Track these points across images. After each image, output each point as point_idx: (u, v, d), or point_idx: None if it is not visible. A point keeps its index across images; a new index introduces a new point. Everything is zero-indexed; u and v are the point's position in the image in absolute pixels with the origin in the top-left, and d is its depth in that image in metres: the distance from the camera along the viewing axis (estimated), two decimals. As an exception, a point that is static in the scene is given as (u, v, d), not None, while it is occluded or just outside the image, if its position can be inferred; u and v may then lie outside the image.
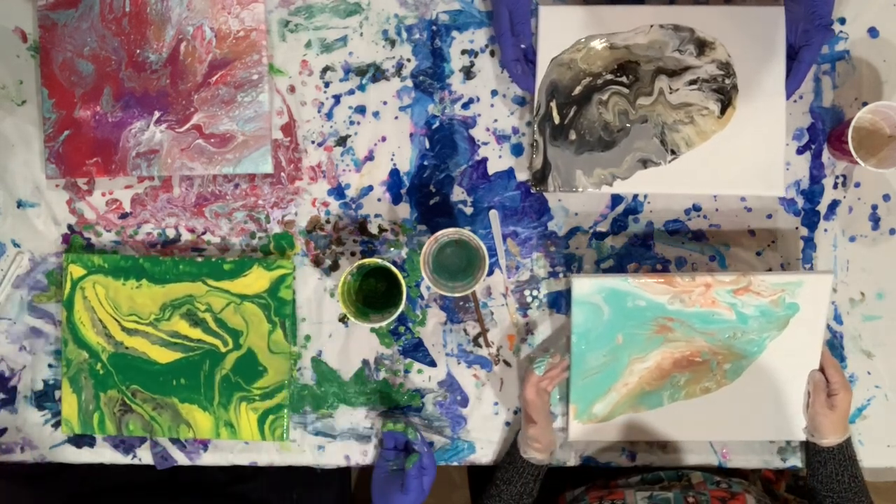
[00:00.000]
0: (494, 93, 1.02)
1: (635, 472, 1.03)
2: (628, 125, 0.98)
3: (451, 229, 0.94)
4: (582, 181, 0.98)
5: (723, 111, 0.97)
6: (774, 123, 0.97)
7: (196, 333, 1.02)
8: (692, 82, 0.97)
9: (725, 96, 0.97)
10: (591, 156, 0.98)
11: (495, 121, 1.02)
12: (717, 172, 0.97)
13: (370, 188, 1.03)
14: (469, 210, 1.03)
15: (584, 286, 0.96)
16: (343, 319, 1.04)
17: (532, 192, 1.02)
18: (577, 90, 0.98)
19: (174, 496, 1.15)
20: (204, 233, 1.04)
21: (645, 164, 0.98)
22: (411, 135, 1.03)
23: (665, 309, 0.95)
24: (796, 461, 1.02)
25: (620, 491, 0.95)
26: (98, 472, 1.08)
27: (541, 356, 0.97)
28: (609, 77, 0.98)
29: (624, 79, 0.98)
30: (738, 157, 0.97)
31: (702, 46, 0.97)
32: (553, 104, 0.98)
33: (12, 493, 1.15)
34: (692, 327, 0.96)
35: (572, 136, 0.98)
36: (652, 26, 0.97)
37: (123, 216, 1.05)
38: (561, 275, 1.02)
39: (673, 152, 0.98)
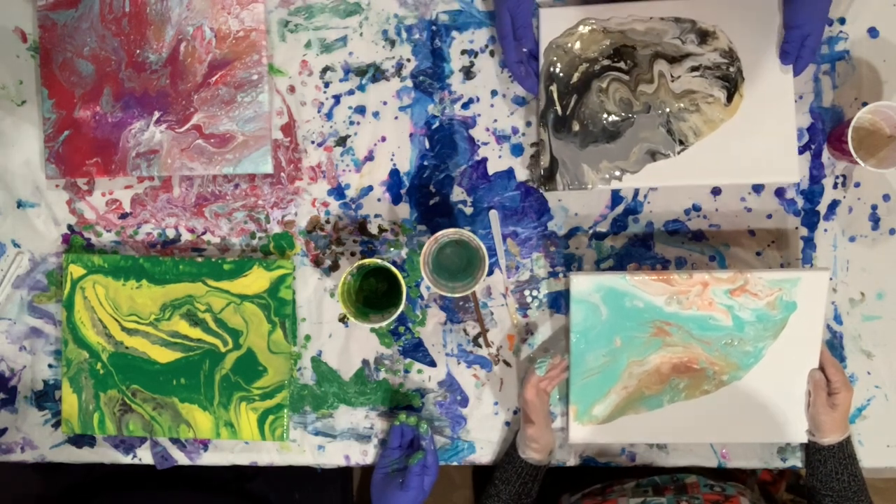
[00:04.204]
0: (494, 93, 1.02)
1: (632, 473, 1.03)
2: (632, 116, 0.97)
3: (451, 229, 0.94)
4: (590, 176, 0.97)
5: (729, 99, 0.97)
6: (784, 109, 0.96)
7: (196, 333, 1.02)
8: (694, 69, 0.96)
9: (731, 83, 0.97)
10: (597, 148, 0.98)
11: (495, 121, 1.02)
12: (728, 162, 0.96)
13: (370, 188, 1.03)
14: (469, 210, 1.03)
15: (583, 284, 0.95)
16: (343, 319, 1.04)
17: (541, 191, 1.02)
18: (576, 77, 0.98)
19: (176, 488, 1.15)
20: (204, 233, 1.04)
21: (654, 156, 0.97)
22: (411, 135, 1.03)
23: (662, 311, 0.95)
24: (796, 461, 1.02)
25: (614, 498, 0.95)
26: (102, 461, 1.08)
27: (541, 357, 0.97)
28: (606, 63, 0.97)
29: (622, 64, 0.97)
30: (750, 144, 0.96)
31: (703, 36, 0.97)
32: (553, 88, 0.98)
33: (22, 478, 1.16)
34: (689, 333, 0.95)
35: (575, 126, 0.98)
36: (651, 18, 0.97)
37: (123, 216, 1.05)
38: (561, 275, 1.02)
39: (681, 143, 0.97)
